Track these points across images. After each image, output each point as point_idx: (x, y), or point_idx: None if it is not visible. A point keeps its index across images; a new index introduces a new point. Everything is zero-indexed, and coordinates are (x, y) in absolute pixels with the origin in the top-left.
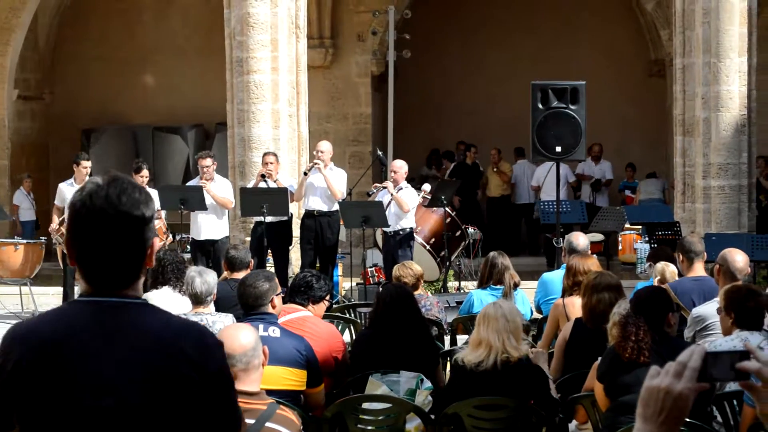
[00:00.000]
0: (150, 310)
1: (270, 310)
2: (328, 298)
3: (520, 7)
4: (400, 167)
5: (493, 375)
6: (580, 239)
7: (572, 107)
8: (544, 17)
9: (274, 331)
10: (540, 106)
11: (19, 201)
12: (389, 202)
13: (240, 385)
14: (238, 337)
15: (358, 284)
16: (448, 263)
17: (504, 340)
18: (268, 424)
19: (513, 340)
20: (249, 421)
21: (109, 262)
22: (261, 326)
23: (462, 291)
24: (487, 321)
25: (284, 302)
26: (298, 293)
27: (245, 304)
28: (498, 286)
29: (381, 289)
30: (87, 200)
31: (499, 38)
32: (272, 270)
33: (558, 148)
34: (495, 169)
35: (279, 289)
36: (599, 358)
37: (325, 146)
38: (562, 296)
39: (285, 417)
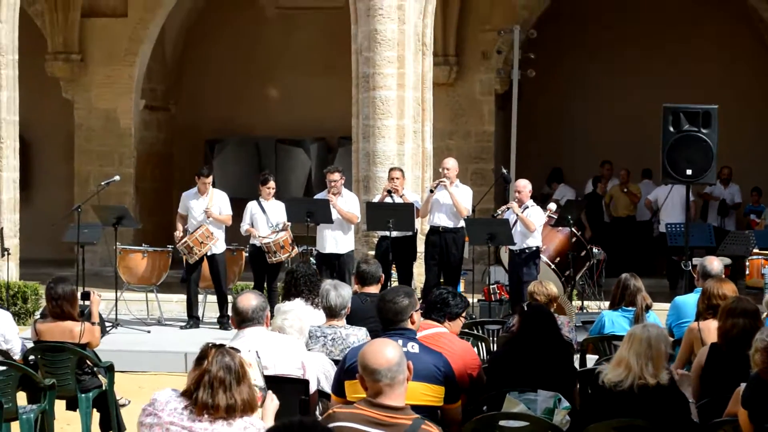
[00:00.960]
0: None
1: (409, 325)
2: (464, 315)
3: (646, 30)
4: (524, 186)
5: (630, 397)
6: (714, 263)
7: (704, 131)
8: (669, 38)
9: (413, 347)
10: (671, 129)
11: None
12: (515, 221)
13: (385, 400)
14: (384, 352)
15: (479, 301)
16: (572, 283)
17: (642, 365)
18: None
19: (651, 367)
20: None
21: None
22: (400, 341)
23: (584, 311)
24: (631, 342)
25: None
26: (434, 309)
27: (385, 319)
28: (630, 308)
29: (524, 307)
30: None
31: (624, 59)
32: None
33: (689, 171)
34: (625, 190)
35: (418, 305)
36: (741, 384)
37: (452, 163)
38: (696, 320)
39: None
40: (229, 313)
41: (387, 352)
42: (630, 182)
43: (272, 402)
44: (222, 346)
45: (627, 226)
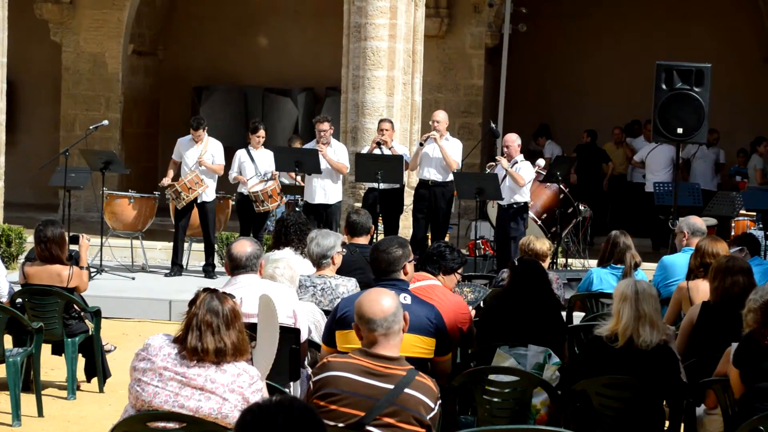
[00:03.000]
0: None
1: (402, 276)
2: (460, 271)
3: None
4: (513, 141)
5: (624, 354)
6: (698, 221)
7: (696, 89)
8: None
9: (405, 298)
10: (664, 86)
11: None
12: (504, 176)
13: (380, 350)
14: (380, 302)
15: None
16: (559, 240)
17: (639, 324)
18: (407, 390)
19: (648, 326)
20: (388, 386)
21: None
22: (390, 291)
23: (568, 268)
24: (626, 300)
25: (415, 270)
26: (430, 262)
27: (377, 270)
28: (618, 266)
29: (515, 261)
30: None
31: (615, 17)
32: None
33: (680, 130)
34: (625, 142)
35: (411, 256)
36: (732, 344)
37: (442, 116)
38: (687, 278)
39: (424, 383)
40: (216, 261)
41: (384, 301)
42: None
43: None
44: (215, 290)
45: (620, 184)
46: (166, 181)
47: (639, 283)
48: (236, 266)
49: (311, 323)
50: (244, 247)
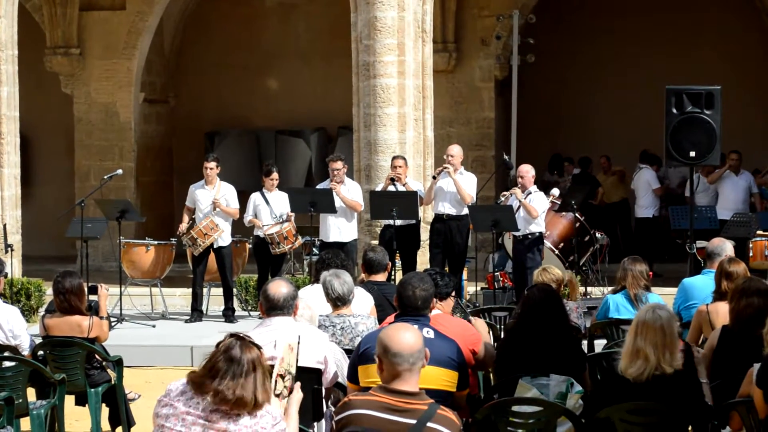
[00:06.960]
0: None
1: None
2: (453, 294)
3: (646, 14)
4: (527, 172)
5: (647, 385)
6: (726, 244)
7: (707, 112)
8: (670, 23)
9: (428, 333)
10: (674, 110)
11: None
12: (518, 207)
13: (403, 386)
14: (407, 337)
15: (482, 288)
16: (576, 268)
17: (660, 356)
18: (429, 424)
19: (668, 355)
20: (410, 421)
21: None
22: (415, 326)
23: (588, 297)
24: (645, 331)
25: None
26: None
27: (408, 306)
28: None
29: (527, 291)
30: None
31: (623, 43)
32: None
33: (692, 153)
34: (613, 173)
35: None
36: (754, 365)
37: (456, 150)
38: (714, 300)
39: (446, 417)
40: (235, 305)
41: (410, 336)
42: (612, 167)
43: (297, 393)
44: (242, 338)
45: (621, 210)
46: (183, 227)
47: (658, 310)
48: (272, 307)
49: (334, 363)
50: (280, 287)
